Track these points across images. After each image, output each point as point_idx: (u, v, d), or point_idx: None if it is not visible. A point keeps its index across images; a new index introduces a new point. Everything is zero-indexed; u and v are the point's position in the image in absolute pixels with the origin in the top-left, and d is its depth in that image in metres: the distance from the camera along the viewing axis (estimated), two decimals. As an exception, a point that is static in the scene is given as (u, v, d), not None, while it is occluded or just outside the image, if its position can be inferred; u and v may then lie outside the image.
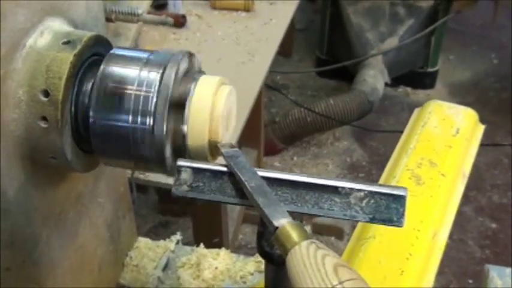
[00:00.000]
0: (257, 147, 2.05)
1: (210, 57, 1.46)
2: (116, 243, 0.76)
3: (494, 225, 2.11)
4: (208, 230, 1.55)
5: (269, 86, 2.49)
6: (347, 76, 2.57)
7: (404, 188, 0.48)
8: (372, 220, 0.47)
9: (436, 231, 0.74)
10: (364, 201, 0.48)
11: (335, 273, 0.37)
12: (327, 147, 2.49)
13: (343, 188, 0.48)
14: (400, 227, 0.47)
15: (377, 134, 2.47)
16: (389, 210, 0.47)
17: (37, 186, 0.55)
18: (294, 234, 0.42)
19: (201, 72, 0.55)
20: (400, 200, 0.47)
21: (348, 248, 0.74)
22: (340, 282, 0.36)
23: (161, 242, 0.84)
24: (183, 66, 0.53)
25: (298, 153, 2.46)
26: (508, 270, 0.77)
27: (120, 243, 0.78)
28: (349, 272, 0.37)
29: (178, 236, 0.84)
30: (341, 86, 2.71)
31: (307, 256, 0.39)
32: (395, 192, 0.48)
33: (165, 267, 0.80)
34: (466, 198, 2.12)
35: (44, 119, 0.50)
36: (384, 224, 0.47)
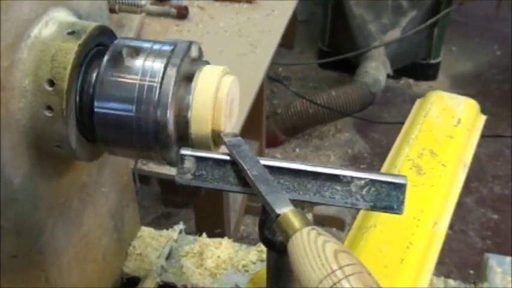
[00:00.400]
0: (259, 139, 2.05)
1: (212, 48, 1.46)
2: (119, 232, 0.77)
3: (495, 216, 2.12)
4: (210, 221, 1.56)
5: (271, 77, 2.49)
6: (349, 68, 2.57)
7: (405, 176, 0.49)
8: (373, 208, 0.48)
9: (436, 220, 0.74)
10: (365, 189, 0.48)
11: (335, 259, 0.38)
12: (329, 139, 2.49)
13: (344, 176, 0.49)
14: (400, 214, 0.48)
15: (379, 126, 2.47)
16: (390, 198, 0.48)
17: (42, 175, 0.56)
18: (296, 221, 0.42)
19: (204, 62, 0.56)
20: (400, 188, 0.48)
21: (349, 237, 0.75)
22: (340, 268, 0.37)
23: (164, 232, 0.84)
24: (187, 55, 0.53)
25: (300, 145, 2.46)
26: (507, 258, 0.78)
27: (124, 232, 0.79)
28: (349, 257, 0.38)
29: (181, 226, 0.85)
30: (343, 77, 2.71)
31: (308, 242, 0.40)
32: (395, 180, 0.48)
33: (168, 256, 0.81)
34: (467, 190, 2.13)
35: (49, 108, 0.51)
36: (385, 212, 0.48)
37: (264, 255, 0.78)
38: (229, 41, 1.54)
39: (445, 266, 1.88)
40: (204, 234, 0.84)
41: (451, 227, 2.07)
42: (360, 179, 0.49)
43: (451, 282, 0.78)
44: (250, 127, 1.74)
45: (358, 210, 0.80)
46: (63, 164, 0.59)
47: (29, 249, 0.57)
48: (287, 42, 2.75)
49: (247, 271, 0.78)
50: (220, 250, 0.81)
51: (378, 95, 2.36)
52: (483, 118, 0.91)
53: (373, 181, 0.48)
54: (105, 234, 0.73)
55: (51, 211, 0.59)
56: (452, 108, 0.89)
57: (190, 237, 0.84)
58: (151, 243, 0.82)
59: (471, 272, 1.88)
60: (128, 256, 0.81)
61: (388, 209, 0.48)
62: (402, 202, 0.48)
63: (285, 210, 0.44)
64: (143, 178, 1.25)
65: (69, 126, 0.52)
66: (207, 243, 0.82)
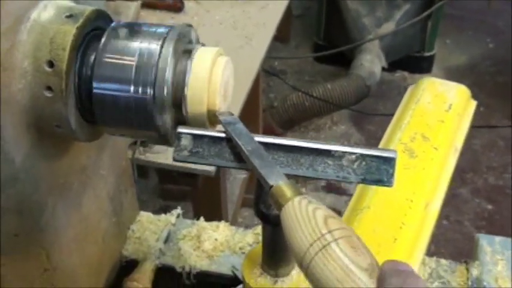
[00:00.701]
0: (256, 132, 2.05)
1: (208, 41, 1.44)
2: (118, 216, 0.78)
3: (490, 207, 2.14)
4: (208, 213, 1.56)
5: (267, 71, 2.51)
6: (344, 61, 2.58)
7: (394, 151, 0.50)
8: (363, 181, 0.50)
9: (428, 201, 0.76)
10: (356, 163, 0.50)
11: (325, 224, 0.39)
12: (325, 131, 2.51)
13: (336, 151, 0.50)
14: (390, 187, 0.49)
15: (374, 118, 2.49)
16: (380, 171, 0.49)
17: (43, 155, 0.57)
18: (288, 191, 0.44)
19: (200, 44, 0.57)
20: (389, 161, 0.49)
21: (343, 218, 0.76)
22: (330, 231, 0.38)
23: (162, 216, 0.86)
24: (182, 37, 0.55)
25: (296, 137, 2.47)
26: (497, 238, 0.80)
27: (123, 216, 0.80)
28: (339, 222, 0.40)
29: (178, 210, 0.87)
30: (338, 71, 2.73)
31: (299, 210, 0.41)
32: (385, 154, 0.50)
33: (167, 240, 0.82)
34: (462, 180, 2.15)
35: (49, 88, 0.52)
36: (375, 185, 0.50)
37: (261, 238, 0.80)
38: (225, 33, 1.55)
39: (441, 256, 1.89)
40: (202, 218, 0.85)
41: (446, 217, 2.07)
42: (351, 153, 0.50)
43: (443, 261, 0.80)
44: (247, 120, 1.74)
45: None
46: (63, 144, 0.60)
47: (31, 228, 0.58)
48: (283, 36, 2.76)
49: (243, 253, 0.80)
50: (217, 233, 0.82)
51: (373, 87, 2.38)
52: (474, 103, 0.93)
53: (363, 155, 0.50)
54: (104, 217, 0.75)
55: (51, 191, 0.60)
56: (443, 94, 0.91)
57: (188, 221, 0.85)
58: (150, 227, 0.83)
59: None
60: (127, 239, 0.82)
61: (379, 181, 0.49)
62: (392, 175, 0.49)
63: (278, 182, 0.46)
64: (141, 172, 1.26)
65: (68, 106, 0.53)
66: (205, 227, 0.83)
